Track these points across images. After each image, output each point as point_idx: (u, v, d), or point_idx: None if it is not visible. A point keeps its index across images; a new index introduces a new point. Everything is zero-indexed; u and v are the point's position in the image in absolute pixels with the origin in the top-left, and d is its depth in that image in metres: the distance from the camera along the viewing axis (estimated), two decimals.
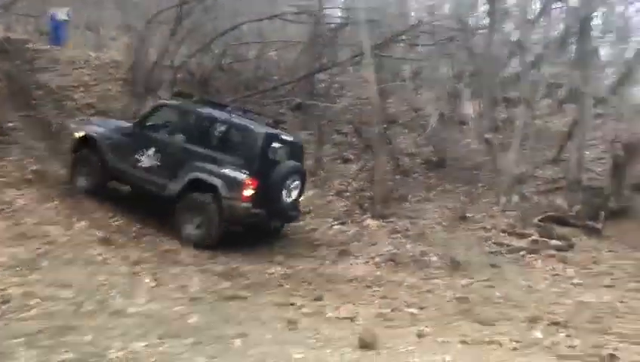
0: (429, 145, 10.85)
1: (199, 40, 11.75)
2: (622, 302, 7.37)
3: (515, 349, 3.98)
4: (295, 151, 8.43)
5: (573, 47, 10.99)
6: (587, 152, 10.64)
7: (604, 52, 13.82)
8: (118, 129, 8.71)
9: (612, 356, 3.92)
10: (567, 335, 4.68)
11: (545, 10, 11.13)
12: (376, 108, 9.58)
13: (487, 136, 9.59)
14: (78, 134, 8.81)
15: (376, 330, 4.16)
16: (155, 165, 8.17)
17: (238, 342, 3.83)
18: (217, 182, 7.73)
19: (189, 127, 8.35)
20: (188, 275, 6.06)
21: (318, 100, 10.91)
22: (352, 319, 4.65)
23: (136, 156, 8.28)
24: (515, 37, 11.11)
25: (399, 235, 8.38)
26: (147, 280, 5.59)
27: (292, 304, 5.14)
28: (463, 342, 4.10)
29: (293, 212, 8.37)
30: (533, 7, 11.71)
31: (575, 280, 7.05)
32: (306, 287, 5.99)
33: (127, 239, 7.25)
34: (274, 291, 5.77)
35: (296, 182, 8.16)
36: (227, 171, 7.77)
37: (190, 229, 7.68)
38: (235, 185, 7.73)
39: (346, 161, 10.85)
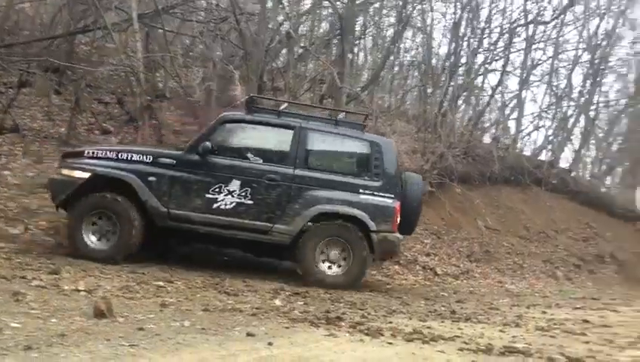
0: (196, 123, 10.73)
1: None
2: None
3: (253, 314, 4.15)
4: None
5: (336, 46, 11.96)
6: None
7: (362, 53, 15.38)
8: (153, 160, 6.26)
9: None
10: (305, 303, 5.10)
11: (314, 6, 11.85)
12: (141, 79, 9.16)
13: None
14: (80, 174, 6.13)
15: (116, 301, 3.99)
16: (245, 203, 6.29)
17: None
18: (359, 213, 6.41)
19: (275, 145, 6.63)
20: None
21: (77, 64, 10.01)
22: (90, 291, 4.34)
23: (209, 195, 6.25)
24: (285, 28, 11.67)
25: None
26: None
27: (23, 277, 4.61)
28: (206, 310, 4.14)
29: None
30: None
31: None
32: (41, 262, 5.43)
33: None
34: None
35: None
36: (366, 198, 6.50)
37: (330, 271, 6.42)
38: (384, 214, 6.50)
39: (105, 132, 10.12)
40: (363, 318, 4.61)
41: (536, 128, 16.49)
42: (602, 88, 17.27)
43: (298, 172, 6.47)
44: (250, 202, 6.30)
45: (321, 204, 6.43)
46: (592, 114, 16.71)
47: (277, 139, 6.66)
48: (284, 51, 12.61)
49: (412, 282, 8.72)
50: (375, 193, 6.57)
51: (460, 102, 14.89)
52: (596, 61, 15.47)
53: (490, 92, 14.23)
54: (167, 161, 6.29)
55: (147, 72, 9.65)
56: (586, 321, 5.72)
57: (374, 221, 6.46)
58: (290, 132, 6.59)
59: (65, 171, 6.26)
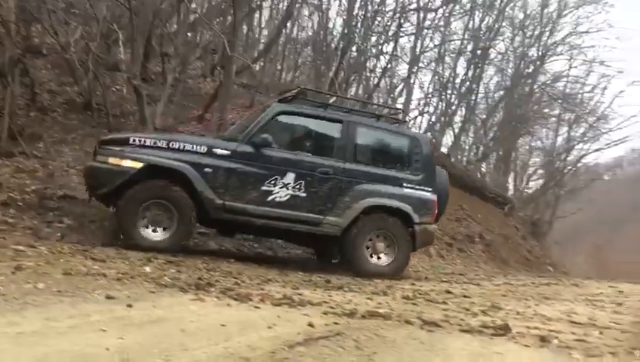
0: (76, 84, 10.09)
1: None
2: (238, 249, 8.30)
3: (118, 279, 4.00)
4: None
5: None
6: (230, 116, 11.50)
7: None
8: (208, 150, 6.13)
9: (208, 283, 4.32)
10: (177, 271, 4.99)
11: None
12: (12, 32, 8.41)
13: (136, 83, 9.39)
14: (131, 163, 5.87)
15: None
16: (299, 196, 6.36)
17: None
18: (404, 206, 6.75)
19: (326, 139, 6.77)
20: None
21: None
22: None
23: (264, 187, 6.23)
24: None
25: (25, 175, 7.61)
26: None
27: None
28: (66, 274, 3.92)
29: None
30: None
31: None
32: None
33: None
34: None
35: None
36: (409, 192, 6.84)
37: (378, 261, 6.77)
38: (425, 207, 6.90)
39: None
40: (235, 285, 4.61)
41: (421, 113, 17.32)
42: (483, 80, 18.43)
43: (347, 165, 6.67)
44: (303, 195, 6.42)
45: (370, 197, 6.67)
46: (472, 103, 17.78)
47: (327, 133, 6.83)
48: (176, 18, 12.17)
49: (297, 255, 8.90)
50: (416, 186, 6.93)
51: (351, 82, 15.26)
52: (478, 52, 16.41)
53: (379, 74, 14.61)
54: (223, 152, 6.22)
55: (20, 23, 8.89)
56: (449, 292, 6.12)
57: (417, 213, 6.85)
58: (339, 125, 6.75)
59: (112, 160, 5.95)
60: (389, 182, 6.85)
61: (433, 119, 17.28)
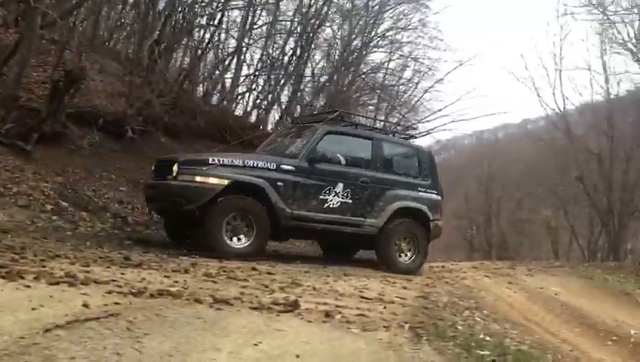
0: None
1: None
2: (33, 221, 7.53)
3: None
4: None
5: None
6: (35, 73, 10.38)
7: None
8: (277, 166, 7.10)
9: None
10: None
11: None
12: None
13: None
14: (217, 181, 6.66)
15: None
16: (347, 203, 7.52)
17: None
18: (423, 207, 8.04)
19: (362, 154, 7.95)
20: None
21: None
22: None
23: (322, 196, 7.33)
24: None
25: None
26: None
27: None
28: None
29: None
30: None
31: None
32: None
33: None
34: None
35: None
36: (423, 195, 8.15)
37: (405, 259, 7.98)
38: (435, 207, 8.25)
39: None
40: (11, 261, 4.14)
41: (249, 90, 17.23)
42: (310, 63, 18.88)
43: (379, 175, 7.87)
44: (350, 201, 7.53)
45: (399, 201, 7.91)
46: (299, 85, 18.13)
47: (362, 148, 7.97)
48: None
49: (98, 230, 8.28)
50: (427, 190, 8.28)
51: (177, 52, 14.67)
52: (305, 36, 16.75)
53: (206, 45, 14.20)
54: (289, 168, 7.16)
55: None
56: (255, 269, 6.16)
57: (431, 212, 8.14)
58: (370, 142, 8.01)
59: (199, 178, 6.70)
60: (408, 187, 8.14)
61: (261, 97, 17.29)
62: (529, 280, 9.50)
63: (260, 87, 17.26)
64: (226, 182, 6.69)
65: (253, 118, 17.08)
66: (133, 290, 3.71)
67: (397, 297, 5.61)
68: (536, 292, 8.50)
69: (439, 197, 8.44)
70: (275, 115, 18.78)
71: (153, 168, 7.75)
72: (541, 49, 37.03)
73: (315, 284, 5.55)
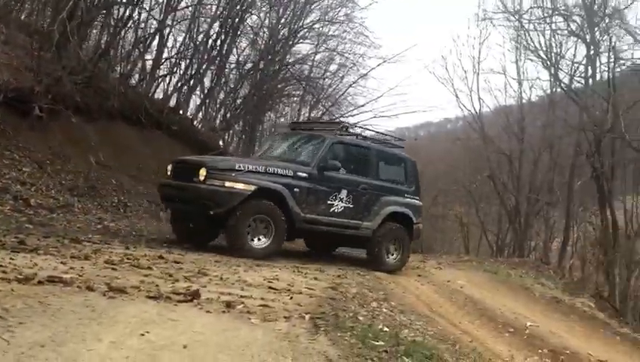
0: None
1: None
2: None
3: None
4: None
5: None
6: None
7: None
8: (293, 174, 7.71)
9: None
10: None
11: None
12: None
13: None
14: (245, 186, 7.17)
15: None
16: (349, 207, 8.17)
17: None
18: (409, 212, 8.89)
19: (361, 162, 8.58)
20: None
21: None
22: None
23: (329, 201, 8.00)
24: None
25: None
26: None
27: None
28: None
29: None
30: None
31: None
32: None
33: None
34: None
35: None
36: (409, 200, 9.01)
37: (391, 259, 8.78)
38: (418, 211, 9.19)
39: None
40: None
41: (170, 73, 16.68)
42: (235, 49, 18.56)
43: (375, 182, 8.57)
44: (351, 206, 8.19)
45: (390, 206, 8.64)
46: (222, 71, 17.78)
47: (361, 157, 8.64)
48: None
49: None
50: (411, 196, 9.07)
51: (94, 29, 13.98)
52: (230, 21, 16.43)
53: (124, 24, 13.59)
54: (303, 175, 7.75)
55: None
56: (161, 258, 5.98)
57: (414, 216, 8.96)
58: (368, 151, 8.74)
59: (228, 183, 7.12)
60: (396, 193, 8.85)
61: (182, 81, 16.80)
62: (437, 274, 9.86)
63: (181, 71, 16.77)
64: (252, 188, 7.21)
65: (172, 102, 16.59)
66: (20, 277, 3.49)
67: (306, 288, 5.62)
68: (443, 285, 8.84)
69: (421, 203, 9.40)
70: (196, 100, 18.36)
71: (171, 168, 7.92)
72: (461, 51, 38.33)
73: (223, 274, 5.45)
